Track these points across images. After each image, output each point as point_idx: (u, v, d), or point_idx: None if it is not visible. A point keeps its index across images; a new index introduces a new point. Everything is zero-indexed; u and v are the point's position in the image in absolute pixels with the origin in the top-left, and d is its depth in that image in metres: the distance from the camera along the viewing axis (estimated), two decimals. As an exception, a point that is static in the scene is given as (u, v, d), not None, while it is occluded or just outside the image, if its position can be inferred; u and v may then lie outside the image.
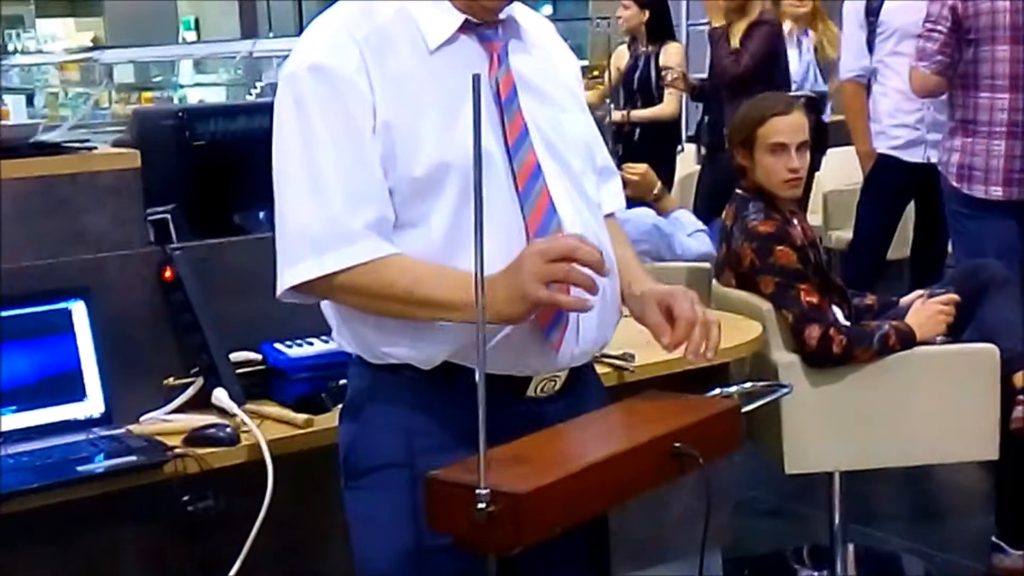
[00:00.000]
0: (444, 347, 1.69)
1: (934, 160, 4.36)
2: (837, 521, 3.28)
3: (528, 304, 1.57)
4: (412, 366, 1.72)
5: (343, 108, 1.65)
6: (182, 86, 9.50)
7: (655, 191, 3.79)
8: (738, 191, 3.21)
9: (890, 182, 4.69)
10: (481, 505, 1.38)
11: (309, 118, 1.66)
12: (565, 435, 1.63)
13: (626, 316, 1.87)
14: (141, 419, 2.23)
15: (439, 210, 1.67)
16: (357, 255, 1.64)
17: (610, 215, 1.94)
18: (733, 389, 1.88)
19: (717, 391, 1.90)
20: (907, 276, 5.09)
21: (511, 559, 1.57)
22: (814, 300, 3.02)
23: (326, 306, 1.81)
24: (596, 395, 1.87)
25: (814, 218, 5.71)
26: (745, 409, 1.75)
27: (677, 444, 1.58)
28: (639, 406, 1.73)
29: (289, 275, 1.68)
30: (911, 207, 4.87)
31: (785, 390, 2.26)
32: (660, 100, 5.85)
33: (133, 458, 2.04)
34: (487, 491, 1.39)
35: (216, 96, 9.05)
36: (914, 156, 4.61)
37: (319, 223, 1.65)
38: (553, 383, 1.76)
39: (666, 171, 5.30)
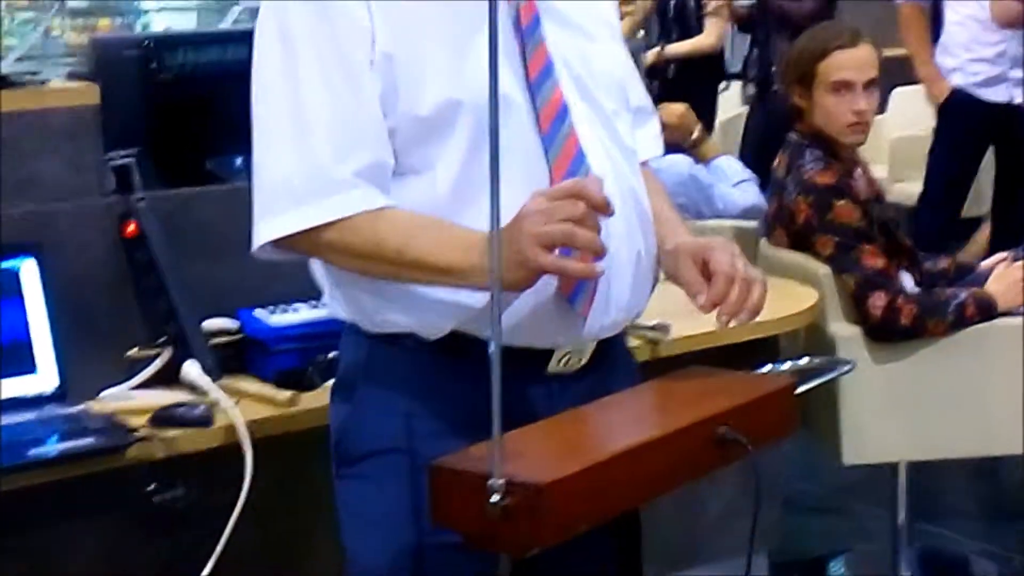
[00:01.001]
0: (451, 315, 1.68)
1: (1019, 100, 4.33)
2: (901, 519, 3.28)
3: (529, 271, 1.57)
4: (415, 336, 1.72)
5: (335, 37, 1.65)
6: (145, 12, 9.47)
7: (694, 135, 3.77)
8: (792, 135, 3.20)
9: (966, 124, 4.66)
10: (495, 498, 1.37)
11: (295, 49, 1.66)
12: (592, 418, 1.63)
13: (661, 281, 1.86)
14: (100, 396, 2.23)
15: (447, 156, 1.67)
16: (343, 207, 1.64)
17: (644, 162, 1.93)
18: (786, 366, 1.88)
19: (768, 367, 1.90)
20: (986, 236, 5.07)
21: (526, 561, 1.56)
22: (879, 264, 3.01)
23: (316, 266, 1.81)
24: (626, 372, 1.87)
25: (878, 169, 5.69)
26: (801, 389, 1.75)
27: (722, 428, 1.58)
28: (679, 385, 1.73)
29: (266, 228, 1.68)
30: (990, 156, 4.84)
31: (847, 367, 2.26)
32: (699, 30, 5.81)
33: (91, 440, 2.04)
34: (502, 482, 1.38)
35: (185, 23, 9.02)
36: (995, 95, 4.59)
37: (302, 170, 1.65)
38: (579, 357, 1.76)
39: (706, 112, 5.27)
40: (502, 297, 1.46)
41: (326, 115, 1.65)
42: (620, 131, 1.80)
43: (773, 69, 4.85)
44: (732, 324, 1.71)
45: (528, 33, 1.71)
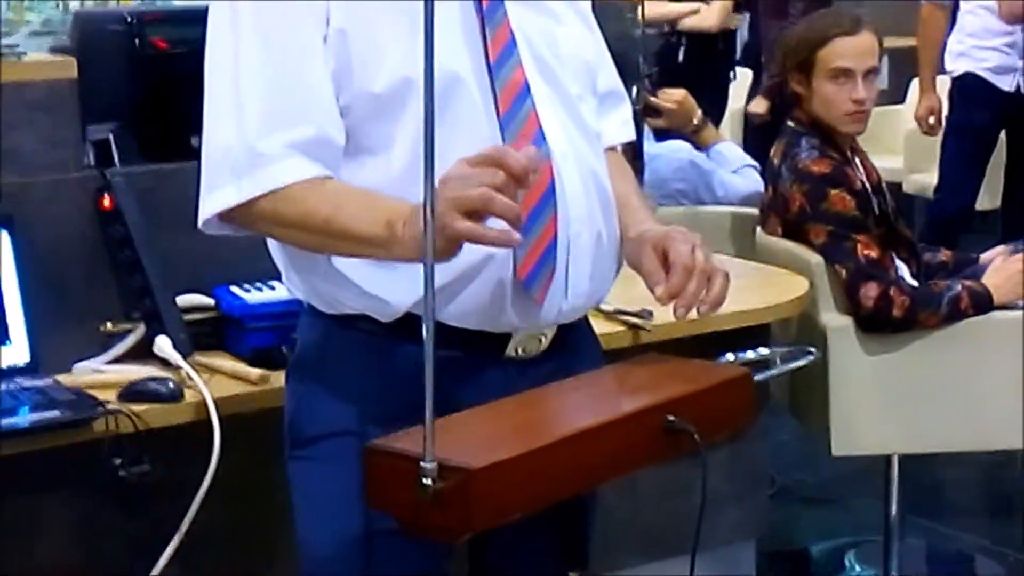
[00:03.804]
0: (406, 296, 1.66)
1: (1027, 90, 4.30)
2: (894, 512, 3.24)
3: (446, 238, 1.48)
4: (370, 318, 1.70)
5: (285, 13, 1.64)
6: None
7: (694, 121, 3.73)
8: (790, 123, 3.17)
9: (977, 107, 4.66)
10: (427, 481, 1.35)
11: (244, 23, 1.65)
12: (539, 402, 1.61)
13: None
14: (72, 369, 2.22)
15: (402, 135, 1.65)
16: (275, 179, 1.63)
17: (613, 148, 1.90)
18: (749, 355, 1.85)
19: (730, 356, 1.87)
20: (1000, 230, 5.02)
21: (474, 545, 1.55)
22: (873, 254, 2.97)
23: (272, 246, 1.80)
24: (590, 358, 1.84)
25: (894, 160, 5.64)
26: (758, 378, 1.72)
27: (670, 417, 1.55)
28: (633, 371, 1.70)
29: (208, 202, 1.67)
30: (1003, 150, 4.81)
31: (810, 356, 2.21)
32: None
33: (56, 413, 2.03)
34: (434, 465, 1.35)
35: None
36: (1003, 83, 4.57)
37: (238, 143, 1.64)
38: (538, 342, 1.74)
39: (717, 99, 5.21)
40: (435, 275, 1.43)
41: (260, 89, 1.63)
42: (584, 115, 1.78)
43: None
44: (690, 317, 1.66)
45: (489, 12, 1.69)
